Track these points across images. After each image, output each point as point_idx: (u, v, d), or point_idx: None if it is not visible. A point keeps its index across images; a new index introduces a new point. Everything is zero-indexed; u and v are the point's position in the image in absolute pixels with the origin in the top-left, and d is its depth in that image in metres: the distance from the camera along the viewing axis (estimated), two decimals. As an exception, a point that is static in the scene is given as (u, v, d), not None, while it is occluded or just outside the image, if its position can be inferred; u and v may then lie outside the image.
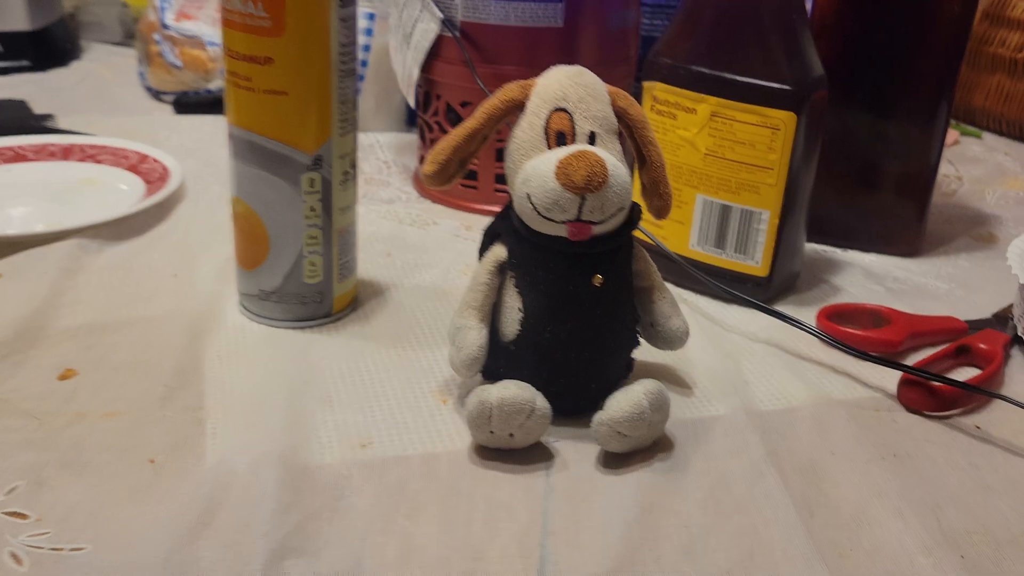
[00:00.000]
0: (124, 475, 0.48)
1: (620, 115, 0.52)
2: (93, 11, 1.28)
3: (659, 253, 0.69)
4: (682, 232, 0.69)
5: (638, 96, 0.69)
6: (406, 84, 0.84)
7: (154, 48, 1.05)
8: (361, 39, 0.92)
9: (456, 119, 0.83)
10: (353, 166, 0.62)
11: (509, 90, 0.52)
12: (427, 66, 0.81)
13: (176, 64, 1.03)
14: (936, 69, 0.75)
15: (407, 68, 0.83)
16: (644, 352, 0.58)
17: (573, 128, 0.51)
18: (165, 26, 1.04)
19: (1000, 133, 1.12)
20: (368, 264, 0.71)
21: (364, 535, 0.46)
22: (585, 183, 0.48)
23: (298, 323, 0.62)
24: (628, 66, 0.84)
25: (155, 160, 0.83)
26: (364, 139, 0.96)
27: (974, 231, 0.85)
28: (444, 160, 0.52)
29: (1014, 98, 1.08)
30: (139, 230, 0.74)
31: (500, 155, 0.79)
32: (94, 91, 1.10)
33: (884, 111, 0.76)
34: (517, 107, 0.52)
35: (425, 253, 0.74)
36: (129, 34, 1.28)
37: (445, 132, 0.83)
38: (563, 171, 0.48)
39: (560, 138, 0.51)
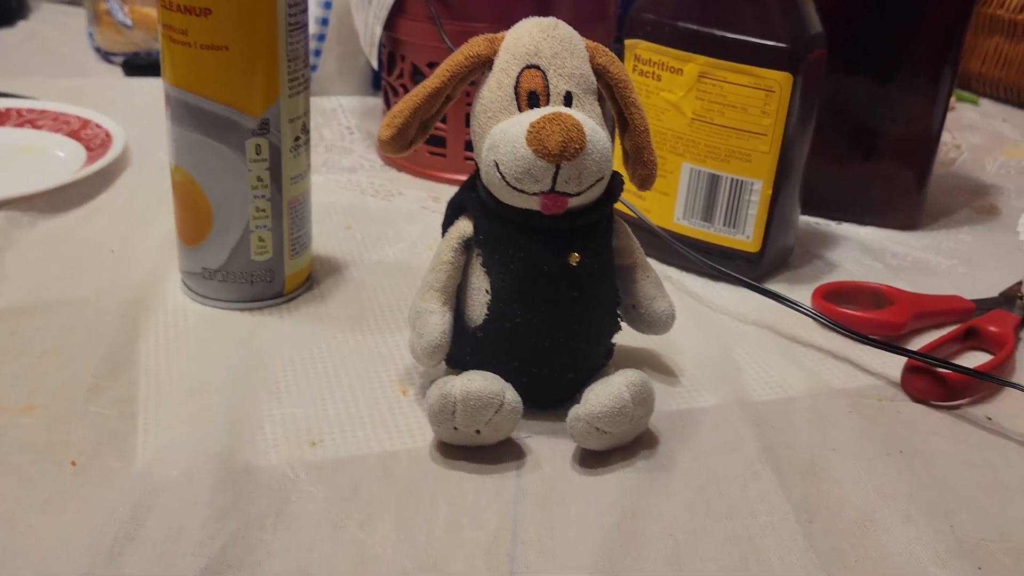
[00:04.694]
0: (41, 479, 0.43)
1: (600, 73, 0.47)
2: (43, -32, 1.21)
3: (641, 227, 0.63)
4: (666, 204, 0.64)
5: (619, 56, 0.63)
6: (368, 43, 0.78)
7: (103, 6, 0.98)
8: (322, -5, 0.86)
9: (419, 77, 0.77)
10: (305, 131, 0.56)
11: (475, 45, 0.46)
12: (390, 24, 0.75)
13: (126, 23, 0.97)
14: (942, 28, 0.69)
15: (369, 26, 0.77)
16: (626, 336, 0.53)
17: (547, 87, 0.45)
18: (114, -18, 0.97)
19: (997, 99, 1.07)
20: (325, 238, 0.66)
21: (311, 545, 0.40)
22: (560, 149, 0.43)
23: (246, 304, 0.57)
24: (607, 24, 0.78)
25: (98, 125, 0.76)
26: (326, 103, 0.90)
27: (975, 202, 0.80)
28: (402, 124, 0.46)
29: (1013, 62, 1.03)
30: (76, 201, 0.68)
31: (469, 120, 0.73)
32: (39, 52, 1.04)
33: (884, 73, 0.70)
34: (484, 64, 0.46)
35: (389, 226, 0.69)
36: (81, -8, 1.21)
37: (411, 95, 0.77)
38: (535, 136, 0.43)
39: (532, 99, 0.45)
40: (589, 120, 0.44)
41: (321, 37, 0.87)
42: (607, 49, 0.47)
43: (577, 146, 0.43)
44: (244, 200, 0.54)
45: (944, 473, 0.48)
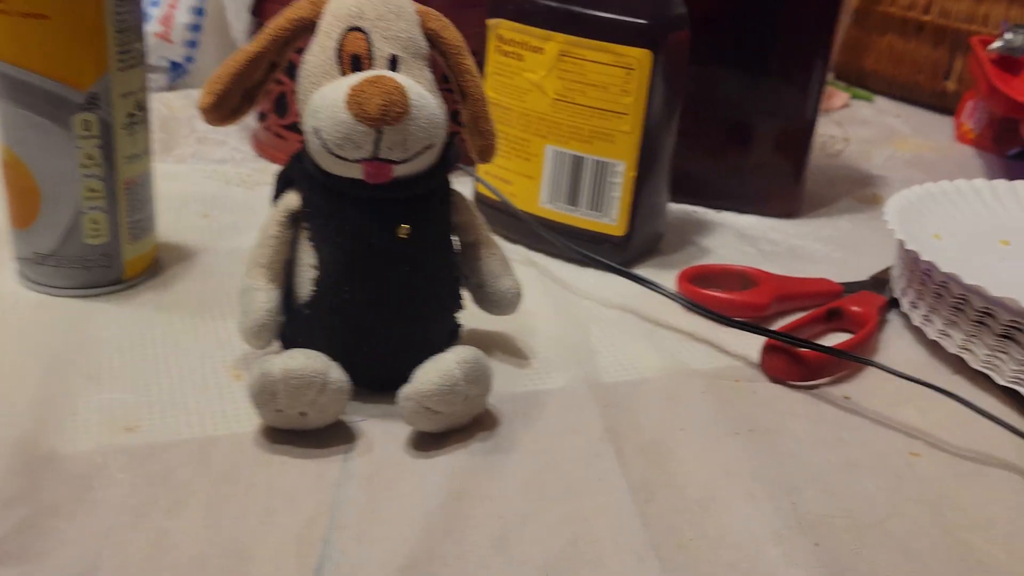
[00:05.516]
0: None
1: (432, 39, 0.45)
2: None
3: (505, 212, 0.62)
4: (531, 188, 0.62)
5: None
6: (237, 31, 0.75)
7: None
8: (197, -15, 0.83)
9: (294, 70, 0.74)
10: (141, 108, 0.53)
11: (298, 7, 0.44)
12: (258, 8, 0.73)
13: None
14: (811, 19, 0.69)
15: (238, 13, 0.74)
16: (478, 319, 0.51)
17: (370, 50, 0.43)
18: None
19: (892, 96, 1.07)
20: (179, 226, 0.63)
21: (106, 533, 0.38)
22: (380, 113, 0.41)
23: (82, 290, 0.54)
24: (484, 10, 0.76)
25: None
26: (204, 97, 0.87)
27: (858, 192, 0.80)
28: (222, 90, 0.44)
29: (905, 59, 1.03)
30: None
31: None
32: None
33: (755, 65, 0.70)
34: (307, 27, 0.44)
35: (251, 214, 0.66)
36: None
37: (280, 83, 0.74)
38: (355, 99, 0.41)
39: (355, 63, 0.43)
40: (415, 85, 0.42)
41: (196, 27, 0.84)
42: (440, 15, 0.45)
43: (399, 110, 0.41)
44: (73, 179, 0.51)
45: (794, 452, 0.46)
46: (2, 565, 0.36)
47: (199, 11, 0.84)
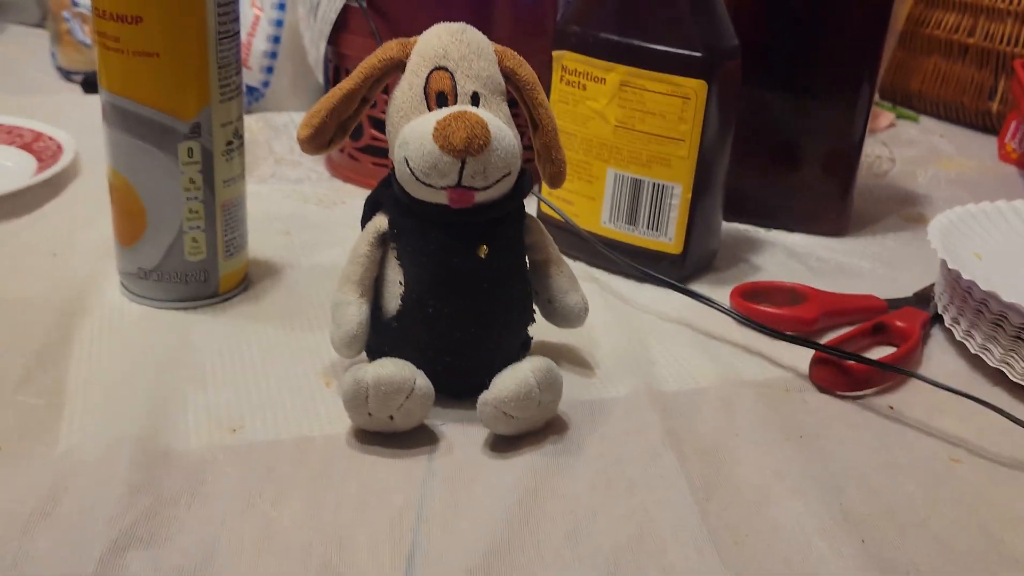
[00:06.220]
0: (-34, 462, 0.45)
1: (508, 76, 0.49)
2: (10, -8, 1.24)
3: (569, 231, 0.66)
4: (593, 208, 0.66)
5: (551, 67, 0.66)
6: (314, 58, 0.80)
7: (64, 26, 1.00)
8: (274, 14, 0.89)
9: (367, 95, 0.79)
10: (238, 136, 0.58)
11: (388, 48, 0.49)
12: (334, 38, 0.78)
13: (85, 42, 0.99)
14: (857, 44, 0.72)
15: (315, 42, 0.79)
16: (547, 332, 0.55)
17: (454, 88, 0.47)
18: (75, 3, 0.99)
19: (937, 116, 1.10)
20: (264, 243, 0.68)
21: (222, 521, 0.42)
22: (464, 145, 0.45)
23: (181, 303, 0.59)
24: (545, 41, 0.80)
25: (50, 138, 0.79)
26: (278, 119, 0.92)
27: (903, 211, 0.83)
28: (319, 123, 0.49)
29: (950, 80, 1.06)
30: (24, 209, 0.70)
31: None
32: (1, 72, 1.06)
33: (805, 89, 0.73)
34: (397, 66, 0.49)
35: (326, 232, 0.71)
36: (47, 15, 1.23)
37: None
38: (441, 132, 0.45)
39: (441, 99, 0.47)
40: (495, 119, 0.47)
41: (273, 55, 0.90)
42: (515, 53, 0.50)
43: (481, 142, 0.45)
44: (177, 202, 0.56)
45: (840, 456, 0.50)
46: (135, 548, 0.40)
47: (276, 39, 0.89)
